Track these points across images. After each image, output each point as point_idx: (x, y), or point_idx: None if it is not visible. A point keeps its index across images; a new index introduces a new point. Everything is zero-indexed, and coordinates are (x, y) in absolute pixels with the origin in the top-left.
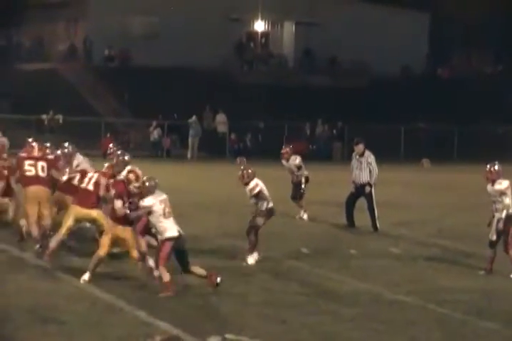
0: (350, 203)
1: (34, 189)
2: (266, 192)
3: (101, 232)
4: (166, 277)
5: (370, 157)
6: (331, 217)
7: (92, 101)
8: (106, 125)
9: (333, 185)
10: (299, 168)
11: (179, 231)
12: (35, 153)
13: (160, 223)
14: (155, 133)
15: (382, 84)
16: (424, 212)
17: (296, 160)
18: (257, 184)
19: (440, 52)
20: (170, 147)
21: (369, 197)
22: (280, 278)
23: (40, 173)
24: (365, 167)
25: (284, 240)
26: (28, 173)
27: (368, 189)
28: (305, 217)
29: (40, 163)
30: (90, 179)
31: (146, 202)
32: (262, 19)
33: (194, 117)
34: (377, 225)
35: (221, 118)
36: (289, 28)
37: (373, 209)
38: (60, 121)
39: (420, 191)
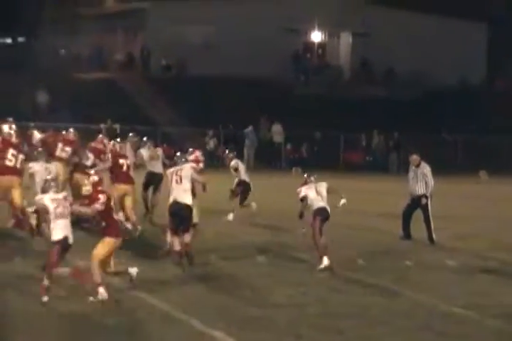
0: (407, 215)
1: None
2: (313, 196)
3: None
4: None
5: (425, 168)
6: (387, 228)
7: (148, 111)
8: (162, 134)
9: (389, 196)
10: (235, 170)
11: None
12: None
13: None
14: (211, 143)
15: (439, 95)
16: (482, 224)
17: (232, 162)
18: (301, 190)
19: (498, 63)
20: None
21: (425, 209)
22: (336, 289)
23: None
24: (420, 178)
25: (340, 251)
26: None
27: (424, 201)
28: (230, 217)
29: None
30: None
31: (42, 200)
32: (318, 30)
33: (250, 127)
34: (434, 237)
35: (277, 128)
36: (345, 39)
37: (429, 221)
38: (118, 130)
39: (477, 203)
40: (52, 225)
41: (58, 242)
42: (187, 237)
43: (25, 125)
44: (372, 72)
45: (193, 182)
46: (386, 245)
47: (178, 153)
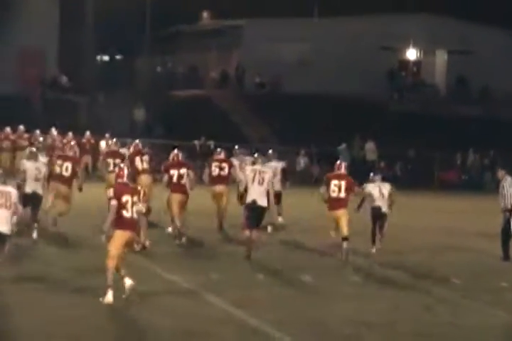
0: (504, 234)
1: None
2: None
3: None
4: None
5: (506, 181)
6: (484, 247)
7: (242, 128)
8: (254, 151)
9: (486, 215)
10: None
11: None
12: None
13: None
14: (301, 162)
15: None
16: None
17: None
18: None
19: None
20: (319, 175)
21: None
22: (429, 308)
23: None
24: (504, 193)
25: (434, 269)
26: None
27: (506, 215)
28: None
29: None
30: None
31: None
32: (414, 47)
33: (344, 145)
34: None
35: (370, 146)
36: (441, 57)
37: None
38: (212, 147)
39: None
40: None
41: None
42: (255, 234)
43: (122, 141)
44: (468, 90)
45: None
46: (483, 265)
47: (256, 154)
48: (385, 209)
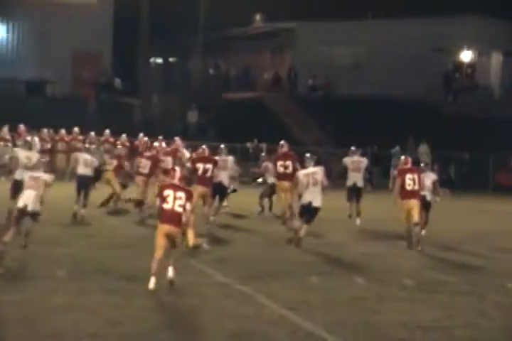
0: None
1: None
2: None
3: None
4: None
5: None
6: None
7: (295, 131)
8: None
9: None
10: None
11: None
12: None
13: None
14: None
15: None
16: None
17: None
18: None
19: None
20: (372, 177)
21: None
22: (484, 312)
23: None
24: None
25: (489, 274)
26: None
27: None
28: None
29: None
30: None
31: None
32: (468, 49)
33: (397, 147)
34: None
35: (424, 148)
36: (496, 59)
37: None
38: (264, 149)
39: None
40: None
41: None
42: (305, 228)
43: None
44: None
45: None
46: None
47: (308, 155)
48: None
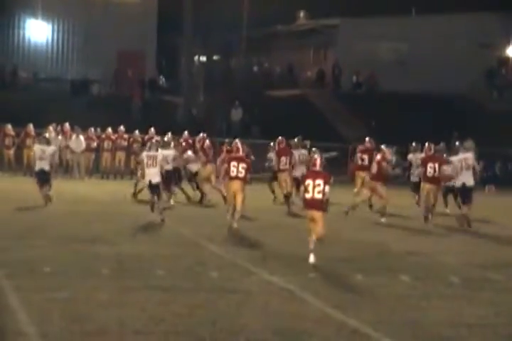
0: None
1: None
2: None
3: None
4: None
5: None
6: None
7: (339, 127)
8: (352, 151)
9: None
10: None
11: None
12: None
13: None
14: (393, 160)
15: None
16: None
17: None
18: None
19: None
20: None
21: None
22: None
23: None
24: None
25: None
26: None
27: None
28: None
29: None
30: None
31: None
32: None
33: (442, 144)
34: None
35: (469, 145)
36: None
37: None
38: (307, 146)
39: None
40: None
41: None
42: (467, 208)
43: (219, 141)
44: None
45: None
46: None
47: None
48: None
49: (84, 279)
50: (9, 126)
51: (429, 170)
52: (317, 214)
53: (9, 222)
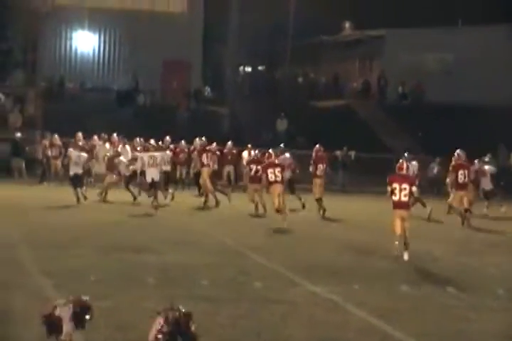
0: None
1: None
2: None
3: None
4: None
5: None
6: None
7: (384, 138)
8: (397, 162)
9: None
10: None
11: None
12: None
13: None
14: (435, 170)
15: None
16: None
17: None
18: None
19: None
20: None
21: None
22: None
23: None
24: None
25: None
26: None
27: None
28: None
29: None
30: None
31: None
32: None
33: (489, 155)
34: None
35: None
36: None
37: None
38: (352, 157)
39: None
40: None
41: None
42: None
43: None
44: None
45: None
46: None
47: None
48: None
49: (129, 288)
50: (56, 136)
51: (460, 177)
52: (404, 213)
53: (54, 232)
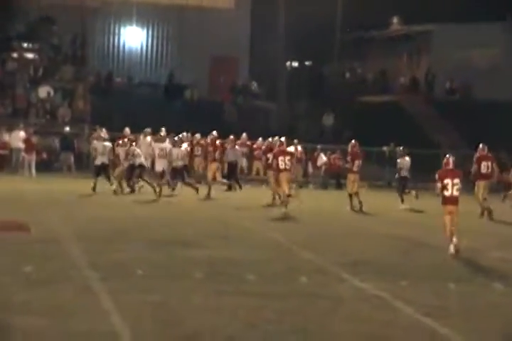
0: None
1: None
2: None
3: None
4: None
5: None
6: None
7: (431, 134)
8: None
9: None
10: None
11: None
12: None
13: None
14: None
15: None
16: None
17: None
18: None
19: None
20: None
21: None
22: None
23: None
24: None
25: None
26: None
27: None
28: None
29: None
30: None
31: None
32: None
33: None
34: None
35: None
36: None
37: None
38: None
39: None
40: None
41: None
42: None
43: (311, 147)
44: None
45: None
46: None
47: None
48: None
49: (176, 282)
50: (104, 130)
51: (483, 168)
52: (455, 209)
53: (100, 226)
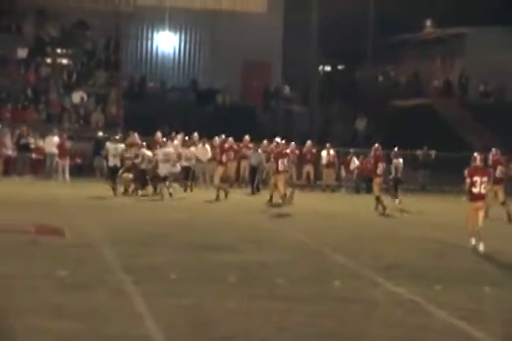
0: None
1: None
2: None
3: None
4: None
5: None
6: None
7: (465, 137)
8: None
9: None
10: None
11: None
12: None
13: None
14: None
15: None
16: None
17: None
18: None
19: None
20: None
21: None
22: None
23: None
24: None
25: None
26: None
27: None
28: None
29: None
30: None
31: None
32: None
33: None
34: None
35: None
36: None
37: None
38: (432, 156)
39: None
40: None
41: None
42: None
43: (344, 151)
44: None
45: None
46: None
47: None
48: None
49: (210, 286)
50: (136, 135)
51: (498, 172)
52: (481, 205)
53: (134, 229)
